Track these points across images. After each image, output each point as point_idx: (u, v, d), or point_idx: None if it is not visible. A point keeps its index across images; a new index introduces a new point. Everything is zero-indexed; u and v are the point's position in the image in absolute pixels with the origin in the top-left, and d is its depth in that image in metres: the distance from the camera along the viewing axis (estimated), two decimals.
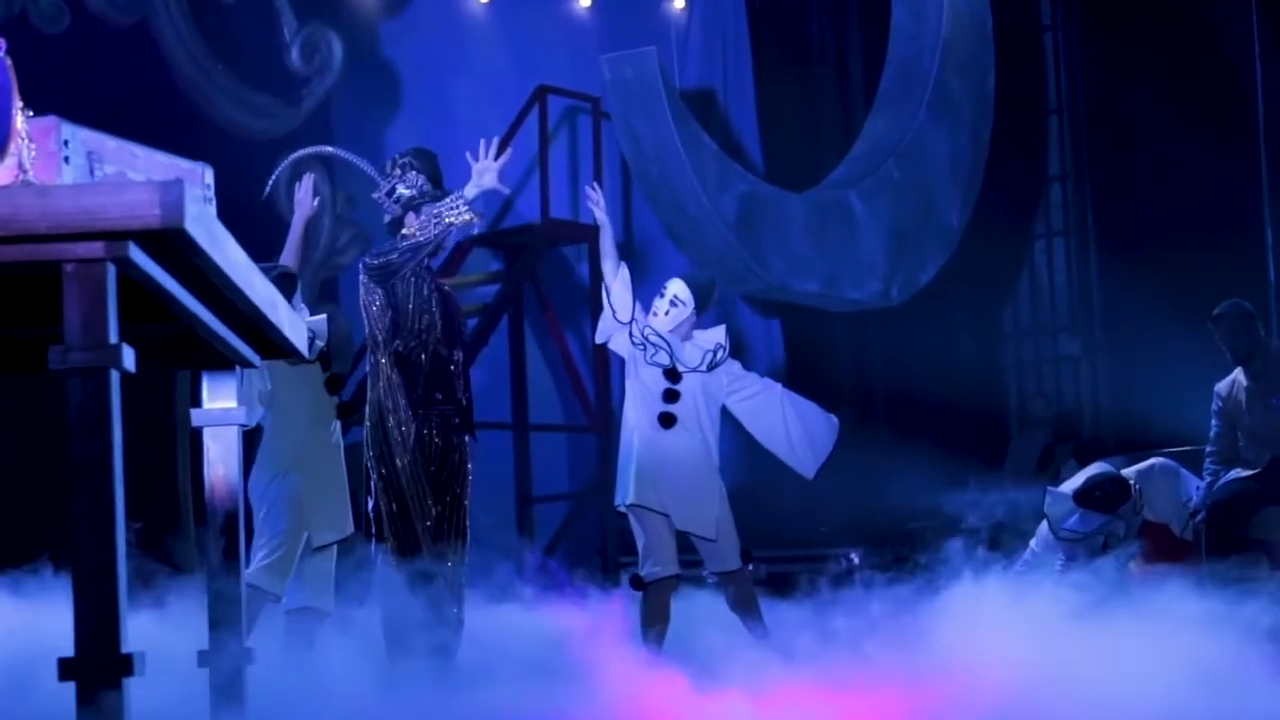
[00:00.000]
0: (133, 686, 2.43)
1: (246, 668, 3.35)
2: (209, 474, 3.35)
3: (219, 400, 3.38)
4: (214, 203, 3.18)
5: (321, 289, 10.82)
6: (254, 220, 6.73)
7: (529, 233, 11.36)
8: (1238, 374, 7.96)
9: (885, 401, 12.46)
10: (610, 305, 6.61)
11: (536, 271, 11.39)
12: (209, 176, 3.15)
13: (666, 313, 6.72)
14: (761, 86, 12.20)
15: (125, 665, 2.38)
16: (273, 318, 3.14)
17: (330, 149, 6.77)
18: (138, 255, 2.48)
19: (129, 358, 2.47)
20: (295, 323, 3.38)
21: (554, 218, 11.15)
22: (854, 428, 11.54)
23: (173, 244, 2.49)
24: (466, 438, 6.07)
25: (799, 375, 11.79)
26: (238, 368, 3.40)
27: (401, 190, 6.04)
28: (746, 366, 6.90)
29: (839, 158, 11.49)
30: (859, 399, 12.37)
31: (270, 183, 6.36)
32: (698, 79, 12.04)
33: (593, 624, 7.91)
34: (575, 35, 12.05)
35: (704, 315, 6.84)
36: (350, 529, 6.10)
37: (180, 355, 3.34)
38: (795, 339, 12.11)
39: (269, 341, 3.37)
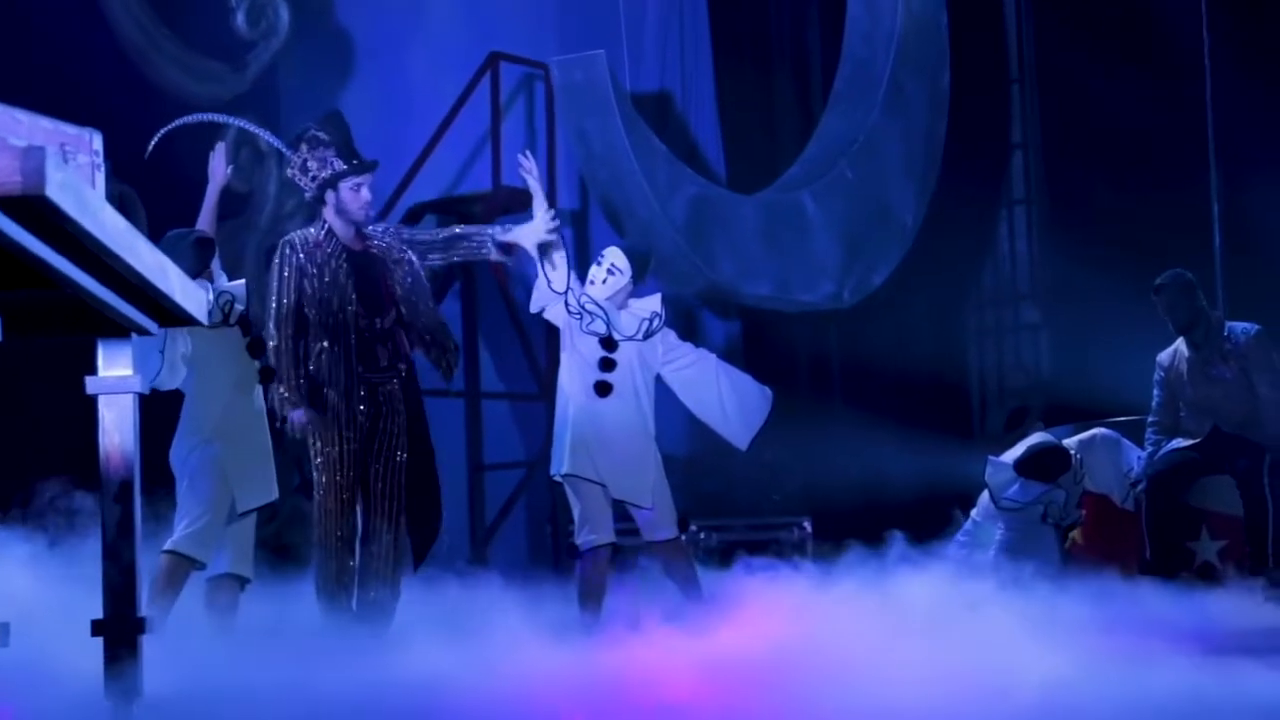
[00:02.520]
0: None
1: (142, 636, 3.32)
2: (104, 442, 3.31)
3: (115, 368, 3.36)
4: (104, 168, 3.14)
5: (266, 256, 10.74)
6: (196, 183, 6.69)
7: (482, 200, 11.30)
8: (1180, 344, 7.98)
9: (842, 371, 12.44)
10: (545, 275, 6.59)
11: None
12: (97, 142, 3.12)
13: (604, 280, 6.70)
14: (721, 80, 12.10)
15: None
16: (162, 285, 3.11)
17: (219, 116, 6.72)
18: (2, 222, 2.45)
19: None
20: (190, 290, 3.35)
21: (506, 185, 11.08)
22: (810, 396, 11.57)
23: (38, 210, 2.46)
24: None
25: (753, 341, 11.77)
26: (134, 335, 3.37)
27: (313, 166, 5.99)
28: (700, 331, 6.91)
29: (799, 156, 11.47)
30: (815, 369, 12.35)
31: (153, 144, 6.31)
32: (655, 68, 11.94)
33: (535, 593, 7.91)
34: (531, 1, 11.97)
35: (640, 284, 6.82)
36: (275, 494, 6.06)
37: (75, 323, 3.31)
38: (751, 309, 12.08)
39: (165, 309, 3.34)
